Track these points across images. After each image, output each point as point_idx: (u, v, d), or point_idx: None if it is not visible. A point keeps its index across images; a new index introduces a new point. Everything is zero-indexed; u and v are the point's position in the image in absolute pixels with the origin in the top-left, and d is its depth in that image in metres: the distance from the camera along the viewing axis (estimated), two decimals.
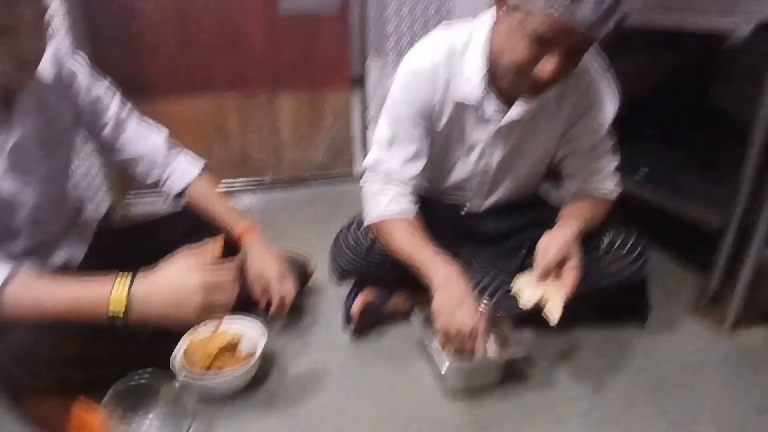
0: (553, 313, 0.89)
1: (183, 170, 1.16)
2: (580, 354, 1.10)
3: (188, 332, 1.01)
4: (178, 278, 0.78)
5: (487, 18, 0.97)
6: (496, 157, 1.10)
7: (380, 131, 1.07)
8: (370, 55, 1.91)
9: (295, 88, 1.96)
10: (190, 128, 1.89)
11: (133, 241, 1.19)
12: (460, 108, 1.02)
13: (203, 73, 1.84)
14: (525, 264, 1.12)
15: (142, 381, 0.81)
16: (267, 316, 1.07)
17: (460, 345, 0.91)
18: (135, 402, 0.81)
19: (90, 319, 0.76)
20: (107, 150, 1.11)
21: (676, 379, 1.04)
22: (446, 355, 0.94)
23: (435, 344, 0.98)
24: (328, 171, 2.16)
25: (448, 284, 0.94)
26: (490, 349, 1.02)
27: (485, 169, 1.12)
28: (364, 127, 2.09)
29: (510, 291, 0.99)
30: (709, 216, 1.25)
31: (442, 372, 0.91)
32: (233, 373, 0.95)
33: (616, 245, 1.07)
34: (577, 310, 0.93)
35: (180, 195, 1.17)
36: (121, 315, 0.75)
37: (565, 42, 0.80)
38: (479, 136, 1.06)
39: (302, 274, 1.28)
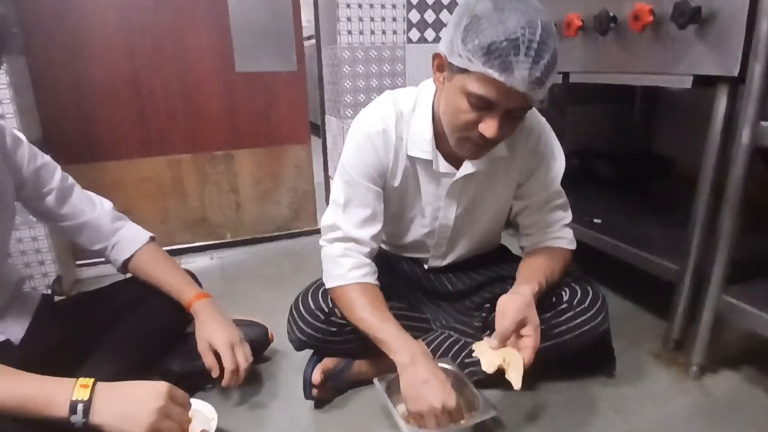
0: (516, 378, 0.88)
1: (129, 238, 1.13)
2: (549, 412, 1.07)
3: None
4: (140, 389, 0.81)
5: (429, 84, 1.00)
6: (451, 213, 1.10)
7: (335, 194, 1.06)
8: (327, 112, 1.93)
9: (253, 144, 1.95)
10: (146, 189, 1.83)
11: (78, 313, 1.13)
12: (414, 163, 1.03)
13: (159, 136, 1.81)
14: (488, 321, 1.11)
15: None
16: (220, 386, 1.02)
17: (435, 423, 0.88)
18: None
19: (47, 414, 0.74)
20: (51, 218, 1.07)
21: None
22: (412, 424, 0.90)
23: (400, 411, 0.94)
24: (290, 227, 2.12)
25: (414, 365, 0.91)
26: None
27: (443, 226, 1.12)
28: (327, 181, 2.08)
29: (472, 353, 0.98)
30: (664, 265, 1.27)
31: None
32: None
33: (576, 301, 1.06)
34: (542, 366, 0.91)
35: (126, 264, 1.12)
36: (83, 404, 0.74)
37: (504, 103, 0.81)
38: (434, 191, 1.07)
39: (260, 341, 1.23)
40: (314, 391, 1.07)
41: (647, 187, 1.88)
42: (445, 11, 1.81)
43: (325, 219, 1.08)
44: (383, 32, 1.74)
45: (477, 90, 0.81)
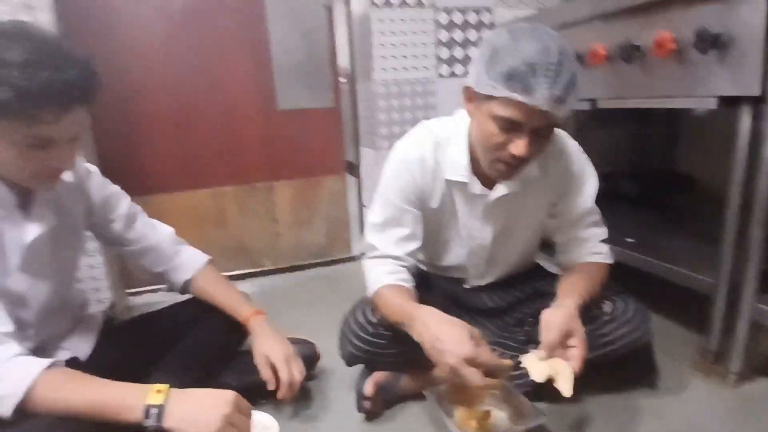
0: (566, 386, 0.90)
1: (189, 259, 1.21)
2: (594, 422, 1.09)
3: None
4: (209, 396, 0.83)
5: (464, 114, 1.07)
6: (487, 233, 1.15)
7: (373, 217, 1.13)
8: (362, 144, 2.03)
9: (292, 176, 2.06)
10: (189, 220, 1.94)
11: (140, 332, 1.20)
12: (450, 186, 1.10)
13: (202, 169, 1.93)
14: (531, 336, 1.15)
15: None
16: (275, 401, 1.07)
17: (462, 375, 0.85)
18: None
19: (121, 419, 0.78)
20: (118, 243, 1.16)
21: None
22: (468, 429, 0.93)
23: (455, 419, 0.97)
24: (325, 255, 2.20)
25: (424, 327, 0.93)
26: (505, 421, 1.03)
27: (480, 247, 1.18)
28: (361, 210, 2.16)
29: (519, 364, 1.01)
30: (699, 279, 1.29)
31: None
32: None
33: (619, 312, 1.10)
34: (585, 378, 0.93)
35: (186, 285, 1.20)
36: (158, 408, 0.77)
37: (530, 122, 0.89)
38: (470, 213, 1.13)
39: (309, 358, 1.28)
40: (366, 404, 1.11)
41: (672, 205, 1.92)
42: (471, 47, 1.92)
43: (363, 244, 1.15)
44: (415, 68, 1.86)
45: (503, 113, 0.89)
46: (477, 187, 1.09)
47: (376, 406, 1.13)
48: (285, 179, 2.04)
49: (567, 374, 0.91)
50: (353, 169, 2.12)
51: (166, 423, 0.79)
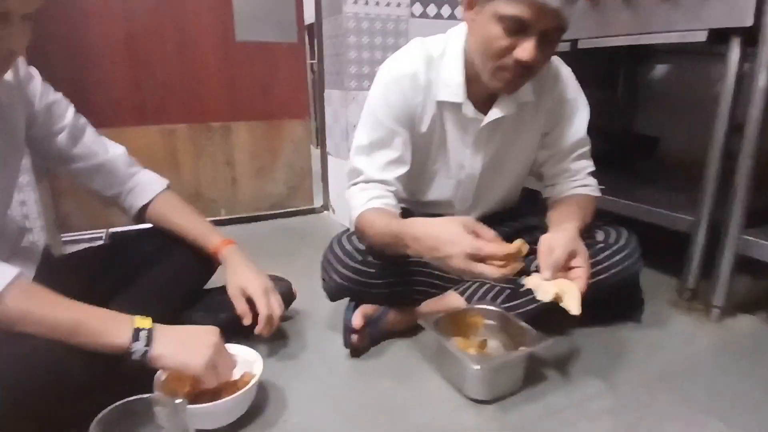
0: (574, 304, 0.85)
1: (147, 183, 1.07)
2: (586, 353, 1.07)
3: None
4: (194, 329, 0.82)
5: (458, 30, 1.01)
6: (478, 163, 1.10)
7: (359, 139, 1.04)
8: (328, 85, 1.90)
9: (251, 117, 1.89)
10: (138, 160, 1.73)
11: (89, 268, 1.04)
12: (442, 109, 1.03)
13: (154, 103, 1.73)
14: (524, 269, 1.11)
15: (132, 408, 0.66)
16: (247, 339, 0.96)
17: (474, 271, 0.78)
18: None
19: (102, 342, 0.72)
20: (62, 160, 0.99)
21: (686, 368, 1.03)
22: (470, 353, 0.87)
23: (454, 344, 0.91)
24: (286, 205, 2.06)
25: (417, 235, 0.85)
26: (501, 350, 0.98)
27: (469, 177, 1.12)
28: (324, 159, 2.04)
29: (520, 288, 0.96)
30: (679, 218, 1.31)
31: (476, 368, 0.83)
32: (228, 401, 0.81)
33: (611, 240, 1.08)
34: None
35: (143, 211, 1.05)
36: (147, 332, 0.74)
37: (539, 22, 0.82)
38: (461, 139, 1.06)
39: (285, 296, 1.17)
40: (354, 337, 1.03)
41: (638, 164, 1.96)
42: None
43: (348, 168, 1.07)
44: (388, 4, 1.74)
45: (510, 11, 0.82)
46: (470, 109, 1.02)
47: (362, 341, 1.05)
48: (244, 120, 1.87)
49: (574, 292, 0.86)
50: (317, 112, 1.98)
51: (156, 349, 0.73)
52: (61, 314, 0.71)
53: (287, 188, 2.03)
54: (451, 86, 0.99)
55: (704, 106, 1.91)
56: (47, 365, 0.69)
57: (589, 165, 1.15)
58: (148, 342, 0.73)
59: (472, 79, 0.98)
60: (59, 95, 0.97)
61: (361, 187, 1.03)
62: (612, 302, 1.15)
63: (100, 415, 0.60)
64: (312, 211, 2.09)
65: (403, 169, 1.04)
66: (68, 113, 0.97)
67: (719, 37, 1.15)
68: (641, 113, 2.25)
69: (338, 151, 1.90)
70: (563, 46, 1.53)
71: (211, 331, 0.81)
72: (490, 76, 0.92)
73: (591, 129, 1.15)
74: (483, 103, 1.01)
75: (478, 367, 0.83)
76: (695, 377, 1.00)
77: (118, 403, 0.62)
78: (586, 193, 1.12)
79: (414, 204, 1.22)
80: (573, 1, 0.82)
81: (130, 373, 0.76)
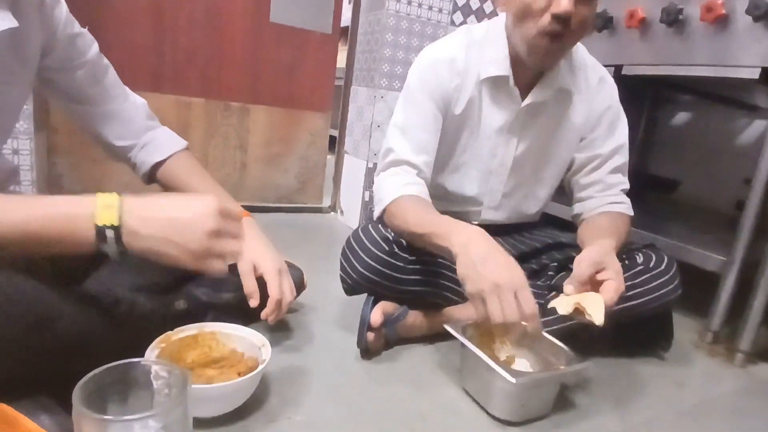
0: (597, 315, 0.76)
1: (164, 140, 0.99)
2: (609, 384, 0.99)
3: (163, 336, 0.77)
4: (185, 201, 0.64)
5: (499, 17, 1.01)
6: (510, 151, 1.06)
7: (396, 117, 1.05)
8: (354, 82, 1.84)
9: (271, 102, 1.82)
10: None
11: None
12: (482, 88, 1.02)
13: (173, 71, 1.65)
14: (554, 285, 1.04)
15: (127, 373, 0.56)
16: (250, 323, 0.87)
17: (502, 303, 0.73)
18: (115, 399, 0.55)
19: (65, 240, 0.57)
20: (76, 99, 0.90)
21: (712, 409, 0.98)
22: (506, 366, 0.78)
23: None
24: (293, 200, 1.97)
25: (471, 242, 0.80)
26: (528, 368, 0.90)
27: (500, 167, 1.08)
28: (339, 157, 1.96)
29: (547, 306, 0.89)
30: (708, 257, 1.26)
31: (513, 381, 0.74)
32: (228, 386, 0.71)
33: (651, 264, 1.01)
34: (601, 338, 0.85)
35: (155, 169, 0.96)
36: (113, 229, 0.57)
37: None
38: (496, 124, 1.04)
39: (298, 283, 1.07)
40: (370, 335, 0.94)
41: (659, 204, 1.93)
42: (488, 1, 1.81)
43: (382, 147, 1.06)
44: (430, 8, 1.70)
45: None
46: (513, 87, 1.00)
47: (378, 340, 0.96)
48: (264, 104, 1.80)
49: (598, 303, 0.77)
50: (340, 107, 1.91)
51: (132, 244, 0.58)
52: (21, 213, 0.57)
53: (298, 182, 1.95)
54: (498, 60, 0.98)
55: (723, 156, 1.91)
56: (33, 309, 0.59)
57: (623, 182, 1.10)
58: (118, 238, 0.58)
59: (513, 62, 0.98)
60: (85, 30, 0.88)
61: (392, 172, 1.01)
62: (640, 331, 1.08)
63: (87, 377, 0.50)
64: (319, 210, 2.00)
65: (431, 156, 1.03)
66: (92, 50, 0.88)
67: None
68: (659, 155, 2.24)
69: (357, 150, 1.82)
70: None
71: (206, 209, 0.62)
72: (529, 46, 0.91)
73: None
74: (523, 89, 1.00)
75: (515, 380, 0.74)
76: (722, 418, 0.95)
77: (109, 365, 0.52)
78: (621, 211, 1.06)
79: (438, 200, 1.14)
80: None
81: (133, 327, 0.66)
